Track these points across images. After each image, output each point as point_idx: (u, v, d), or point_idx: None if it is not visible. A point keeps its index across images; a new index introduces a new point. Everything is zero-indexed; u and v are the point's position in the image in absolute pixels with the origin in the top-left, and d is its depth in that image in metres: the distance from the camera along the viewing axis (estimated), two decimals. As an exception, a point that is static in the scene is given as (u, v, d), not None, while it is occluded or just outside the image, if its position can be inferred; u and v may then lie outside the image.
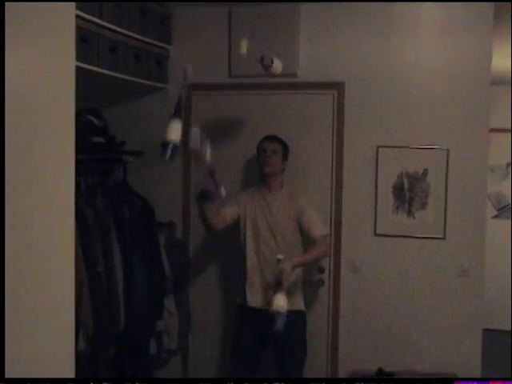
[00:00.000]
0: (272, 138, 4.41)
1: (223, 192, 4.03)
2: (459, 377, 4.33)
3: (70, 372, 2.49)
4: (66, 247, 2.48)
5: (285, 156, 4.43)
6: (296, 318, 4.30)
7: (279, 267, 3.91)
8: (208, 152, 3.89)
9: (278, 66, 4.20)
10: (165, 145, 3.58)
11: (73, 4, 2.46)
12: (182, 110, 3.79)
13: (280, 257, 3.96)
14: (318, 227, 4.32)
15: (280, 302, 3.81)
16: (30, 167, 2.25)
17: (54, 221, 2.38)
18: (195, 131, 3.82)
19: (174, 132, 3.61)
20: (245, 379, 3.95)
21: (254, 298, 4.32)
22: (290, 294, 4.24)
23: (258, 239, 4.34)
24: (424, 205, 4.54)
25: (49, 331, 2.37)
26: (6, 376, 2.13)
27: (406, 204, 4.56)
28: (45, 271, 2.34)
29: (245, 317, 4.41)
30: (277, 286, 3.89)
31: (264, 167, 4.37)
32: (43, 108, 2.29)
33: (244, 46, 4.06)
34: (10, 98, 2.12)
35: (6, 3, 2.07)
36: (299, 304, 4.36)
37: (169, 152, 3.58)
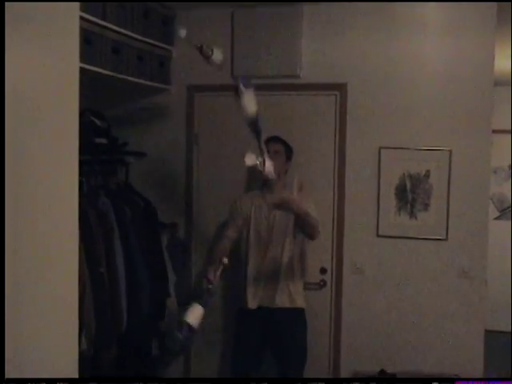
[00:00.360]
0: (275, 139, 4.41)
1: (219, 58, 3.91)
2: (462, 377, 4.33)
3: (73, 372, 2.50)
4: (69, 248, 2.49)
5: (288, 157, 4.43)
6: (296, 316, 4.31)
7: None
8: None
9: (218, 55, 4.09)
10: (182, 326, 3.48)
11: (77, 5, 2.47)
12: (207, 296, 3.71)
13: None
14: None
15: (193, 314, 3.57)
16: (33, 168, 2.25)
17: (58, 222, 2.39)
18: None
19: (193, 316, 3.53)
20: (246, 379, 3.96)
21: (254, 300, 4.32)
22: (290, 294, 4.26)
23: (259, 240, 4.34)
24: (426, 206, 4.54)
25: (52, 332, 2.38)
26: (10, 376, 2.14)
27: (409, 205, 4.56)
28: (48, 271, 2.35)
29: (245, 317, 4.41)
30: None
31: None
32: (47, 109, 2.30)
33: (183, 33, 3.92)
34: (15, 99, 2.12)
35: (12, 5, 2.08)
36: (300, 302, 4.35)
37: (182, 334, 3.48)
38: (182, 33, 3.80)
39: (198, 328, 3.53)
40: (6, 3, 2.06)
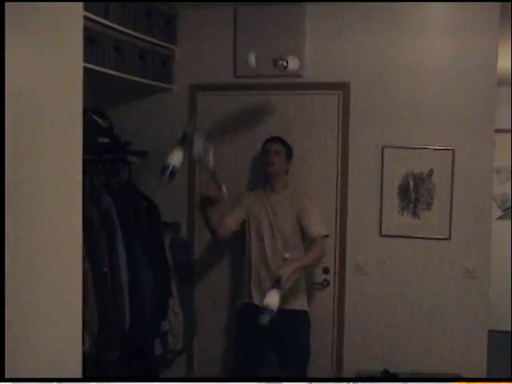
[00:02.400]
0: (275, 139, 4.43)
1: (225, 191, 4.04)
2: (465, 377, 4.32)
3: (76, 372, 2.50)
4: (72, 247, 2.48)
5: (288, 157, 4.44)
6: (299, 319, 4.31)
7: (278, 272, 3.93)
8: (211, 157, 3.95)
9: (293, 64, 4.21)
10: (165, 167, 3.76)
11: (80, 5, 2.46)
12: (186, 141, 3.91)
13: (286, 255, 4.00)
14: (316, 227, 4.31)
15: (272, 299, 3.78)
16: (37, 167, 2.25)
17: (61, 221, 2.39)
18: (198, 138, 3.90)
19: (176, 157, 3.80)
20: (248, 379, 3.95)
21: (256, 299, 4.32)
22: (293, 295, 4.26)
23: (261, 240, 4.35)
24: (429, 205, 4.53)
25: (56, 331, 2.38)
26: (11, 376, 2.13)
27: (412, 205, 4.55)
28: (51, 271, 2.35)
29: (247, 317, 4.41)
30: (274, 283, 3.88)
31: (268, 168, 4.38)
32: (51, 108, 2.30)
33: (252, 59, 4.05)
34: (17, 98, 2.12)
35: (15, 4, 2.08)
36: (302, 304, 4.36)
37: (167, 174, 3.76)
38: (252, 59, 3.97)
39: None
40: (9, 3, 2.05)
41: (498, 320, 6.83)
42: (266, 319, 3.73)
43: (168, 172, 3.74)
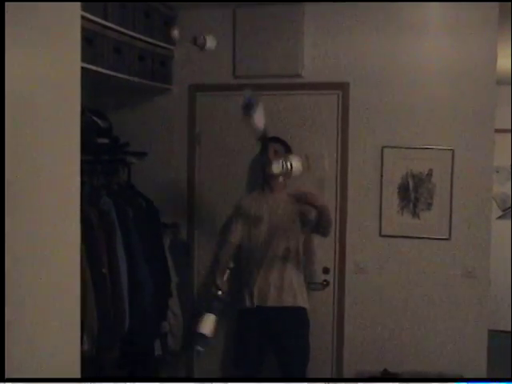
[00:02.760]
0: (274, 139, 4.41)
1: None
2: (465, 377, 4.33)
3: (75, 372, 2.49)
4: (71, 248, 2.48)
5: None
6: (298, 315, 4.30)
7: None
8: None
9: (211, 43, 4.10)
10: (198, 337, 3.69)
11: (78, 5, 2.46)
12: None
13: None
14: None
15: (207, 324, 3.74)
16: (35, 168, 2.25)
17: (60, 222, 2.38)
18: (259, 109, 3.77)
19: (208, 326, 3.72)
20: (248, 379, 3.95)
21: (256, 299, 4.31)
22: (292, 292, 4.26)
23: (260, 240, 4.34)
24: (429, 205, 4.53)
25: (54, 332, 2.37)
26: (11, 376, 2.13)
27: (411, 204, 4.55)
28: (50, 272, 2.34)
29: (247, 317, 4.41)
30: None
31: (267, 168, 4.37)
32: (49, 109, 2.29)
33: (248, 96, 3.95)
34: (16, 99, 2.12)
35: (13, 4, 2.07)
36: (302, 301, 4.34)
37: (201, 346, 3.71)
38: (175, 33, 3.88)
39: (212, 335, 3.72)
40: (7, 3, 2.05)
41: (498, 319, 6.83)
42: (201, 348, 3.73)
43: (201, 344, 3.73)
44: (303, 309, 4.35)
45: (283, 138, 4.44)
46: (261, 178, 4.52)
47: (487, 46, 4.40)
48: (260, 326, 4.31)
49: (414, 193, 4.55)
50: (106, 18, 3.93)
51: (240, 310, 4.47)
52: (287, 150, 4.42)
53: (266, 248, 4.31)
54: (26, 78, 2.20)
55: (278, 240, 4.30)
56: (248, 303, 4.34)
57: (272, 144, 4.38)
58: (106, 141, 4.46)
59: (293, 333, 4.28)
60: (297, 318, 4.30)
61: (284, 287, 4.26)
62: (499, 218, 7.67)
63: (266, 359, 4.39)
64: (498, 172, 7.25)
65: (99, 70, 3.92)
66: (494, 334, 5.02)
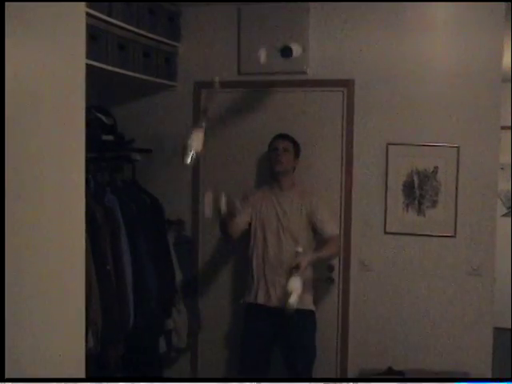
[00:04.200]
0: (283, 136, 4.40)
1: (239, 206, 4.03)
2: (470, 375, 4.33)
3: (80, 370, 2.49)
4: (76, 245, 2.48)
5: (296, 154, 4.42)
6: (305, 318, 4.29)
7: (296, 260, 3.95)
8: (223, 207, 3.92)
9: (297, 51, 4.20)
10: (186, 150, 3.66)
11: (83, 2, 2.46)
12: (204, 120, 3.87)
13: (299, 249, 4.00)
14: (331, 226, 4.34)
15: (296, 283, 3.85)
16: (40, 165, 2.24)
17: (65, 219, 2.38)
18: (207, 199, 3.90)
19: (197, 141, 3.70)
20: (252, 379, 3.94)
21: (262, 297, 4.31)
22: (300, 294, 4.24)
23: (268, 238, 4.33)
24: (434, 203, 4.51)
25: (59, 330, 2.37)
26: (15, 374, 2.13)
27: (416, 202, 4.54)
28: (55, 269, 2.34)
29: (253, 316, 4.40)
30: (292, 270, 3.93)
31: (275, 166, 4.36)
32: (54, 106, 2.29)
33: (263, 55, 4.02)
34: (20, 96, 2.12)
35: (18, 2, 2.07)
36: (309, 303, 4.34)
37: (190, 158, 3.66)
38: (262, 55, 3.95)
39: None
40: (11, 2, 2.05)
41: (504, 317, 6.81)
42: (292, 303, 3.80)
43: (191, 156, 3.66)
44: (311, 311, 4.34)
45: (292, 136, 4.43)
46: (268, 175, 4.51)
47: (493, 44, 4.38)
48: (267, 325, 4.30)
49: (419, 190, 4.53)
50: (110, 15, 3.93)
51: (245, 309, 4.45)
52: (296, 147, 4.41)
53: (275, 247, 4.30)
54: (32, 75, 2.20)
55: (286, 239, 4.29)
56: (253, 302, 4.33)
57: (281, 141, 4.37)
58: (110, 138, 4.46)
59: (300, 333, 4.26)
60: (304, 317, 4.28)
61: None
62: (504, 215, 7.65)
63: (271, 358, 4.38)
64: (502, 169, 7.22)
65: (103, 66, 3.91)
66: (499, 332, 5.01)
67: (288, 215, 4.32)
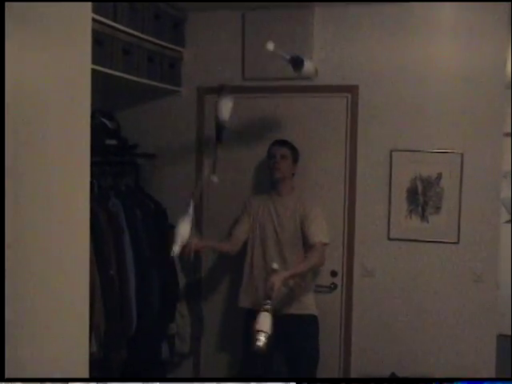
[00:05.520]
0: (281, 143, 4.40)
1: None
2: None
3: (83, 374, 2.49)
4: (80, 249, 2.48)
5: (295, 160, 4.41)
6: (308, 323, 4.29)
7: (270, 280, 3.76)
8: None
9: (309, 67, 4.19)
10: (220, 126, 3.85)
11: (89, 7, 2.46)
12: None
13: (275, 266, 3.86)
14: (317, 233, 4.22)
15: (265, 321, 3.58)
16: (45, 169, 2.25)
17: (69, 223, 2.39)
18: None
19: (226, 110, 3.91)
20: (255, 379, 3.93)
21: (261, 302, 4.30)
22: (302, 298, 4.24)
23: (265, 244, 4.33)
24: (438, 209, 4.51)
25: (63, 334, 2.38)
26: (18, 375, 2.13)
27: (420, 208, 4.54)
28: (58, 273, 2.35)
29: (254, 321, 4.39)
30: (264, 300, 3.70)
31: (274, 172, 4.36)
32: (59, 110, 2.30)
33: (271, 46, 4.02)
34: (27, 100, 2.12)
35: (23, 6, 2.08)
36: (311, 308, 4.34)
37: (177, 250, 3.76)
38: (270, 45, 3.92)
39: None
40: (16, 4, 2.05)
41: (507, 324, 6.79)
42: (261, 345, 3.53)
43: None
44: (313, 316, 4.34)
45: (290, 141, 4.43)
46: (268, 182, 4.52)
47: (497, 50, 4.38)
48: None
49: (422, 196, 4.53)
50: (115, 20, 3.93)
51: (246, 314, 4.44)
52: (294, 154, 4.41)
53: (272, 252, 4.30)
54: (37, 79, 2.20)
55: (282, 243, 4.29)
56: (252, 308, 4.32)
57: (279, 148, 4.38)
58: (114, 142, 4.47)
59: (302, 338, 4.26)
60: (306, 322, 4.28)
61: (294, 294, 4.23)
62: (507, 222, 7.63)
63: (274, 364, 4.38)
64: (505, 177, 7.21)
65: (108, 71, 3.92)
66: (502, 339, 5.00)
67: (282, 221, 4.32)
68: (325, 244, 4.26)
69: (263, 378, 4.04)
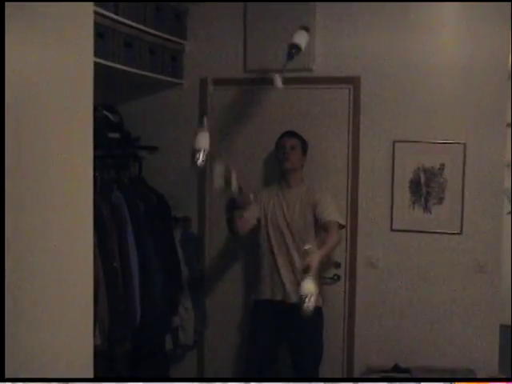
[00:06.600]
0: (291, 134, 4.40)
1: (252, 198, 4.04)
2: (477, 372, 4.33)
3: (88, 367, 2.50)
4: (83, 242, 2.48)
5: (304, 151, 4.42)
6: (313, 315, 4.28)
7: (306, 262, 3.76)
8: (234, 183, 3.83)
9: (278, 82, 4.17)
10: (196, 152, 3.65)
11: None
12: (206, 121, 3.84)
13: (307, 247, 3.86)
14: (331, 213, 4.23)
15: (309, 285, 3.64)
16: (48, 163, 2.25)
17: (72, 216, 2.39)
18: (219, 169, 3.80)
19: (203, 141, 3.68)
20: (259, 379, 3.94)
21: (271, 293, 4.31)
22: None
23: (275, 235, 4.33)
24: (441, 200, 4.51)
25: (67, 327, 2.38)
26: (22, 373, 2.13)
27: (423, 199, 4.53)
28: (62, 266, 2.35)
29: (260, 312, 4.40)
30: (305, 271, 3.73)
31: (284, 163, 4.36)
32: (61, 104, 2.30)
33: (279, 81, 4.02)
34: (28, 94, 2.12)
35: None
36: (317, 300, 4.33)
37: (201, 158, 3.64)
38: (279, 82, 3.92)
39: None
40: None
41: (507, 314, 6.79)
42: (310, 307, 3.62)
43: (201, 156, 3.63)
44: (318, 307, 4.34)
45: (299, 133, 4.43)
46: (276, 173, 4.51)
47: (500, 41, 4.36)
48: (273, 322, 4.31)
49: (425, 187, 4.53)
50: (116, 13, 3.93)
51: (253, 305, 4.45)
52: (304, 145, 4.42)
53: (281, 243, 4.30)
54: (39, 73, 2.20)
55: (294, 237, 4.29)
56: (261, 299, 4.34)
57: (288, 139, 4.38)
58: (117, 135, 4.47)
59: (307, 331, 4.26)
60: (312, 316, 4.27)
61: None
62: (510, 212, 7.62)
63: (278, 355, 4.39)
64: (508, 167, 7.19)
65: (110, 64, 3.92)
66: (505, 330, 4.99)
67: (292, 211, 4.32)
68: (342, 226, 4.31)
69: (263, 378, 4.04)
